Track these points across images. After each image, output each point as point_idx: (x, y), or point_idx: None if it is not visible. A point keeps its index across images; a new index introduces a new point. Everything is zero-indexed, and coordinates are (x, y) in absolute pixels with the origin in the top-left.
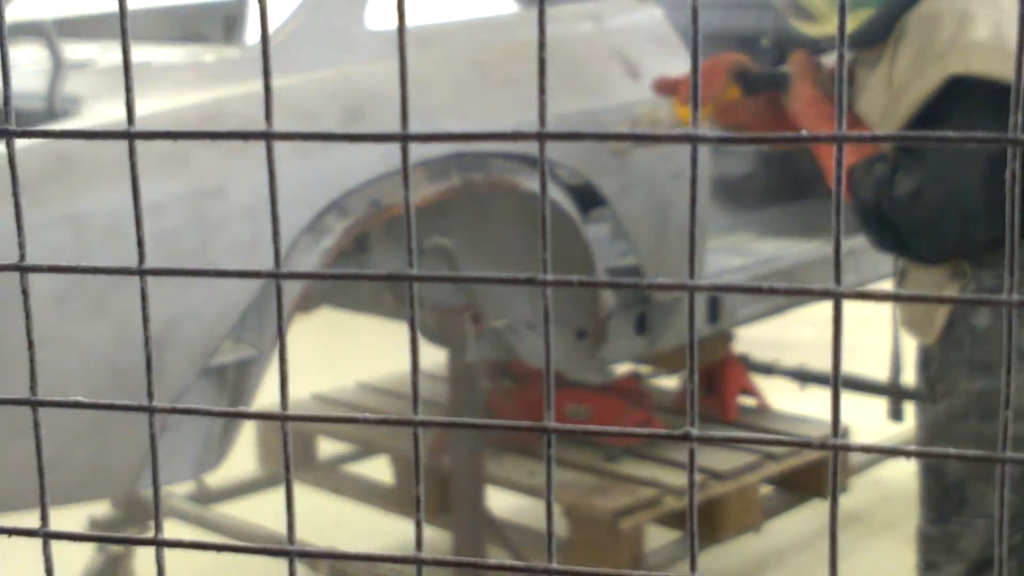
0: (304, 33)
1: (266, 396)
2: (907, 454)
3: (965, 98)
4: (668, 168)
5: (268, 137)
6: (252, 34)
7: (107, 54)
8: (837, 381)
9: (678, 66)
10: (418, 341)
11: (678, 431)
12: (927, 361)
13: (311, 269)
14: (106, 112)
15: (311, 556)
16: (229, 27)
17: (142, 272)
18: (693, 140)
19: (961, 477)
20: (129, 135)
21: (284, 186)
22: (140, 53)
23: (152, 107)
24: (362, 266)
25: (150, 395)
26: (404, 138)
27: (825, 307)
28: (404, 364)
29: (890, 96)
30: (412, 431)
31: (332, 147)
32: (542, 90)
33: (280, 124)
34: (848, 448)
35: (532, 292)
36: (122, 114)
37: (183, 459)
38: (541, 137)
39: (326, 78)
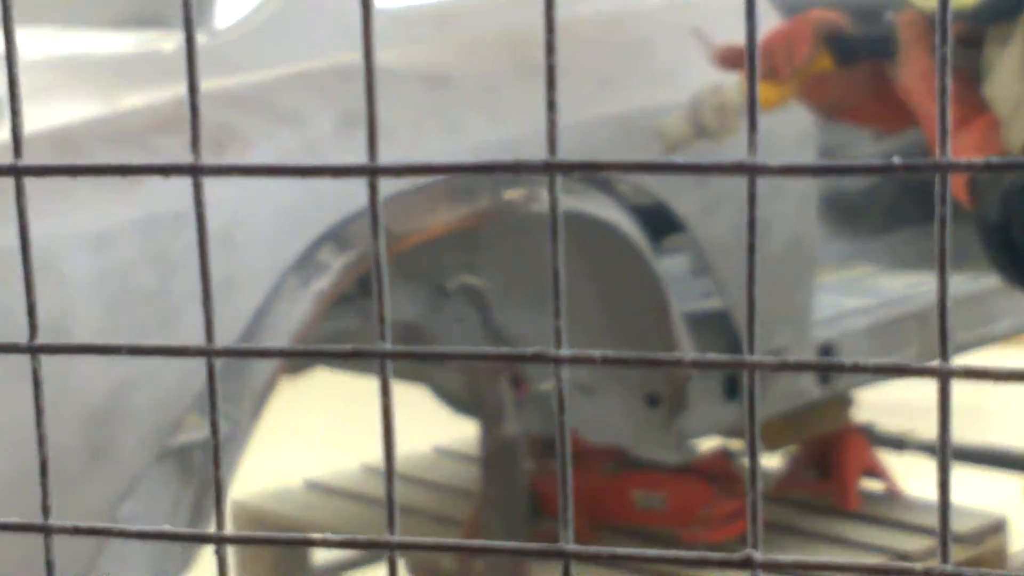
0: (289, 14)
1: (244, 483)
2: None
3: None
4: (765, 180)
5: (196, 172)
6: (223, 16)
7: (37, 43)
8: (946, 487)
9: None
10: (393, 431)
11: (737, 555)
12: None
13: (302, 318)
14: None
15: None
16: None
17: (34, 350)
18: (750, 171)
19: None
20: (16, 171)
21: (266, 209)
22: (79, 41)
23: (89, 111)
24: (367, 314)
25: (45, 510)
26: (372, 171)
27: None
28: (424, 440)
29: None
30: (388, 555)
31: (326, 163)
32: (551, 107)
33: (260, 128)
34: None
35: (592, 349)
36: (38, 125)
37: (138, 561)
38: (551, 168)
39: (317, 71)
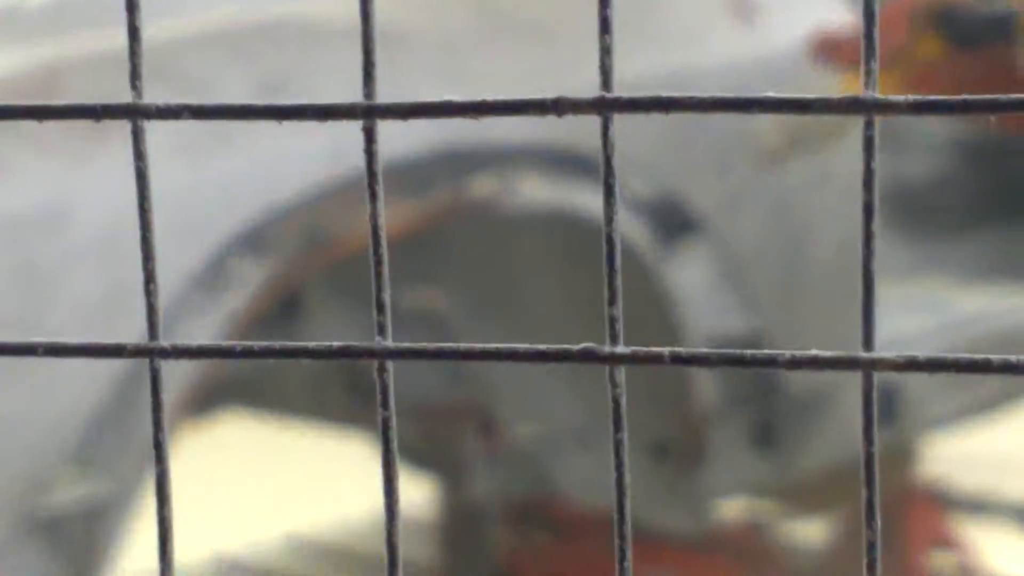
0: None
1: (135, 559)
2: None
3: None
4: (803, 166)
5: (135, 113)
6: None
7: None
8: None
9: (825, 8)
10: (396, 469)
11: None
12: None
13: (204, 342)
14: None
15: None
16: None
17: None
18: (868, 108)
19: None
20: None
21: (161, 206)
22: None
23: None
24: (293, 338)
25: None
26: (369, 112)
27: None
28: (365, 503)
29: None
30: None
31: (239, 143)
32: (604, 27)
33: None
34: None
35: (589, 380)
36: None
37: None
38: (604, 107)
39: (228, 25)
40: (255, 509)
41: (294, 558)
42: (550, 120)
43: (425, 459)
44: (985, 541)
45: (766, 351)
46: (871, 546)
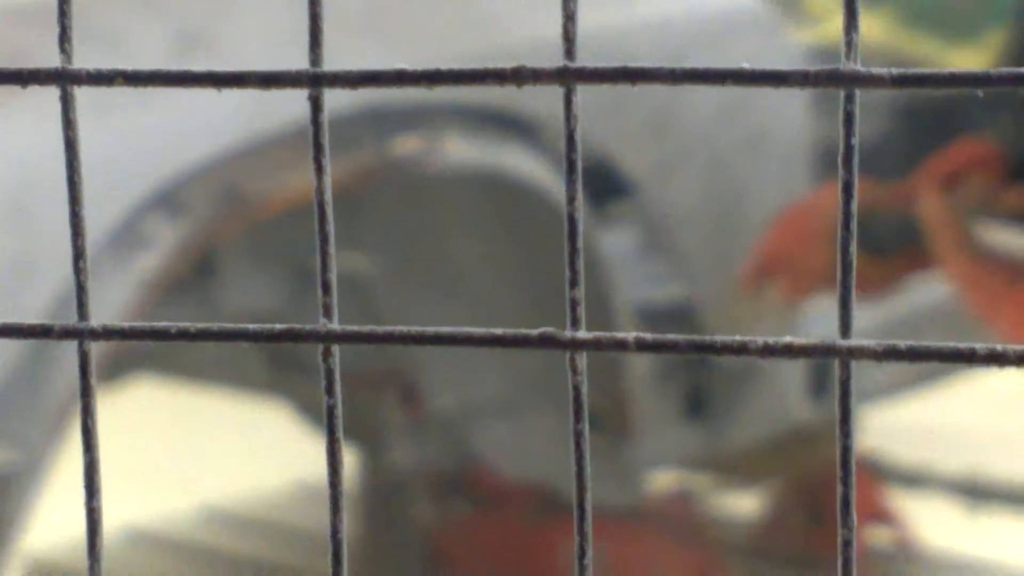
0: None
1: (41, 532)
2: None
3: None
4: (739, 128)
5: (65, 80)
6: None
7: None
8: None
9: None
10: (340, 447)
11: None
12: None
13: (120, 305)
14: None
15: None
16: None
17: None
18: (848, 81)
19: None
20: None
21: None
22: None
23: None
24: (211, 302)
25: None
26: (316, 80)
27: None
28: (284, 473)
29: None
30: None
31: (154, 100)
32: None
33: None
34: None
35: (507, 353)
36: None
37: None
38: (567, 77)
39: None
40: (168, 479)
41: (210, 530)
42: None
43: (346, 428)
44: (922, 515)
45: (738, 338)
46: (846, 544)
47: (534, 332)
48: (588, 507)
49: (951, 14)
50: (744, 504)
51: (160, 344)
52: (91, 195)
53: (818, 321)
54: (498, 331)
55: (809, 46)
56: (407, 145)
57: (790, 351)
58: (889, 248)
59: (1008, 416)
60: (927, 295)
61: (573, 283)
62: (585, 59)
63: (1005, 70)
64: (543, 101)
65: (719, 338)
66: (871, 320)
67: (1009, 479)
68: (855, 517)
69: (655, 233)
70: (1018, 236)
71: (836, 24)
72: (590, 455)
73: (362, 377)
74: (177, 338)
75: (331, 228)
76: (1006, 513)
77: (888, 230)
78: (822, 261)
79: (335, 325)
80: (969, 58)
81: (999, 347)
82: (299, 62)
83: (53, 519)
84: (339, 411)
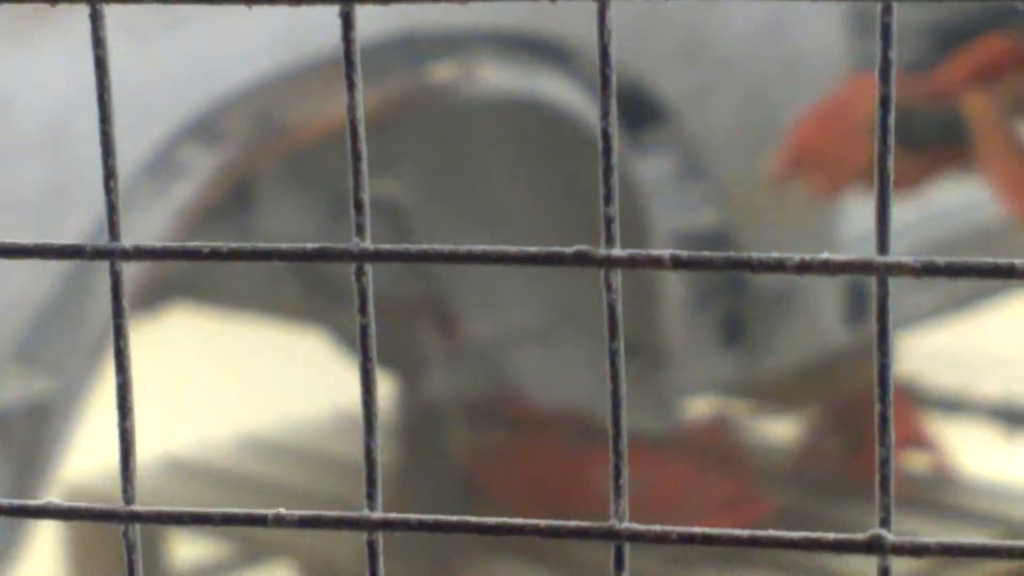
0: None
1: (81, 459)
2: None
3: None
4: (776, 52)
5: (94, 0)
6: None
7: None
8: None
9: None
10: (374, 374)
11: (861, 536)
12: None
13: (157, 233)
14: None
15: None
16: None
17: None
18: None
19: None
20: None
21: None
22: None
23: None
24: (247, 229)
25: None
26: None
27: None
28: (322, 402)
29: None
30: (366, 539)
31: (189, 27)
32: None
33: None
34: None
35: (549, 278)
36: None
37: None
38: None
39: None
40: (204, 408)
41: (246, 458)
42: (512, 4)
43: (383, 356)
44: (959, 440)
45: (774, 255)
46: (883, 462)
47: (569, 250)
48: (623, 425)
49: None
50: (781, 430)
51: (195, 272)
52: (125, 125)
53: (851, 226)
54: (532, 249)
55: None
56: (441, 72)
57: (827, 267)
58: (922, 142)
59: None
60: (963, 217)
61: (608, 200)
62: None
63: None
64: (576, 26)
65: (755, 255)
66: (906, 244)
67: None
68: (893, 435)
69: (691, 159)
70: None
71: None
72: (626, 383)
73: (398, 304)
74: (209, 258)
75: (363, 146)
76: None
77: (921, 124)
78: (856, 156)
79: (368, 244)
80: None
81: None
82: None
83: (91, 447)
84: (372, 331)
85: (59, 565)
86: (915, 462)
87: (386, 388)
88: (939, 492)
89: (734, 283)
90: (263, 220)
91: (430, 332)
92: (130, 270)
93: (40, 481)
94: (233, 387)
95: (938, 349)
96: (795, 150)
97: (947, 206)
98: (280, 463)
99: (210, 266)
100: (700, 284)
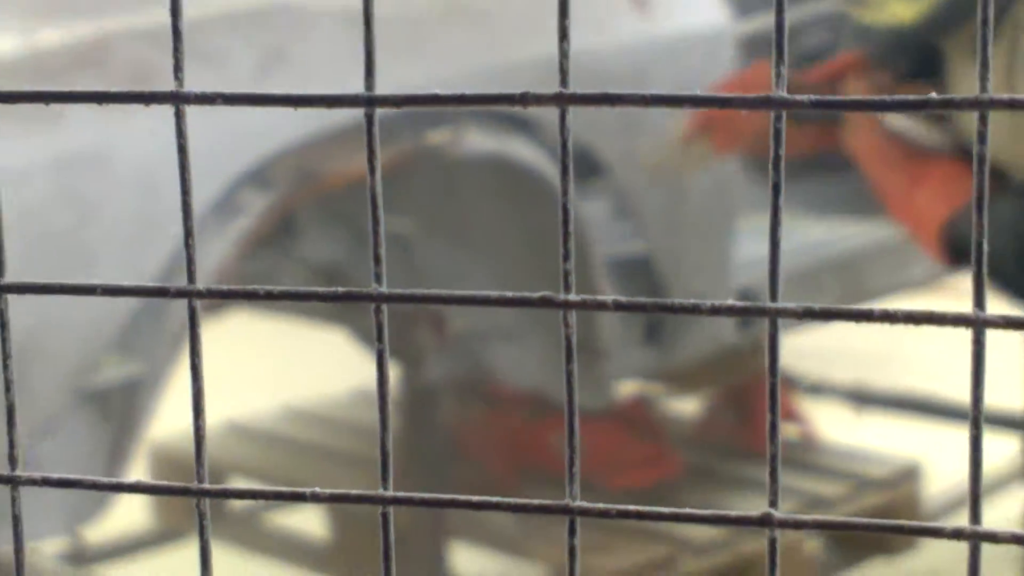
0: None
1: (162, 425)
2: None
3: None
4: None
5: (178, 100)
6: None
7: None
8: (979, 441)
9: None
10: (387, 376)
11: (754, 514)
12: None
13: (221, 260)
14: None
15: None
16: None
17: (1, 289)
18: (778, 105)
19: None
20: None
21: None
22: None
23: (10, 44)
24: (288, 255)
25: (11, 459)
26: (370, 101)
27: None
28: (338, 382)
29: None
30: (380, 511)
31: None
32: (563, 35)
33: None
34: (994, 538)
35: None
36: None
37: (54, 509)
38: (562, 101)
39: (238, 9)
40: (257, 385)
41: (290, 424)
42: (495, 88)
43: (391, 349)
44: (820, 415)
45: (691, 301)
46: (773, 458)
47: (536, 295)
48: (576, 424)
49: None
50: (687, 406)
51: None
52: (198, 174)
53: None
54: (508, 294)
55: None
56: (437, 136)
57: (731, 311)
58: (809, 120)
59: (886, 341)
60: (825, 249)
61: (566, 257)
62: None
63: (906, 97)
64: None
65: (677, 301)
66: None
67: (885, 388)
68: (780, 439)
69: (622, 203)
70: (914, 123)
71: (894, 8)
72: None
73: (404, 312)
74: (264, 298)
75: (381, 213)
76: (882, 414)
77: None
78: (748, 124)
79: (384, 289)
80: (904, 8)
81: (890, 309)
82: (351, 76)
83: (171, 416)
84: (387, 354)
85: (146, 507)
86: (788, 432)
87: (392, 373)
88: (805, 454)
89: (656, 296)
90: (302, 247)
91: (426, 331)
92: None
93: (132, 442)
94: (278, 370)
95: (805, 346)
96: (701, 115)
97: (812, 240)
98: (315, 428)
99: (262, 281)
100: (628, 295)
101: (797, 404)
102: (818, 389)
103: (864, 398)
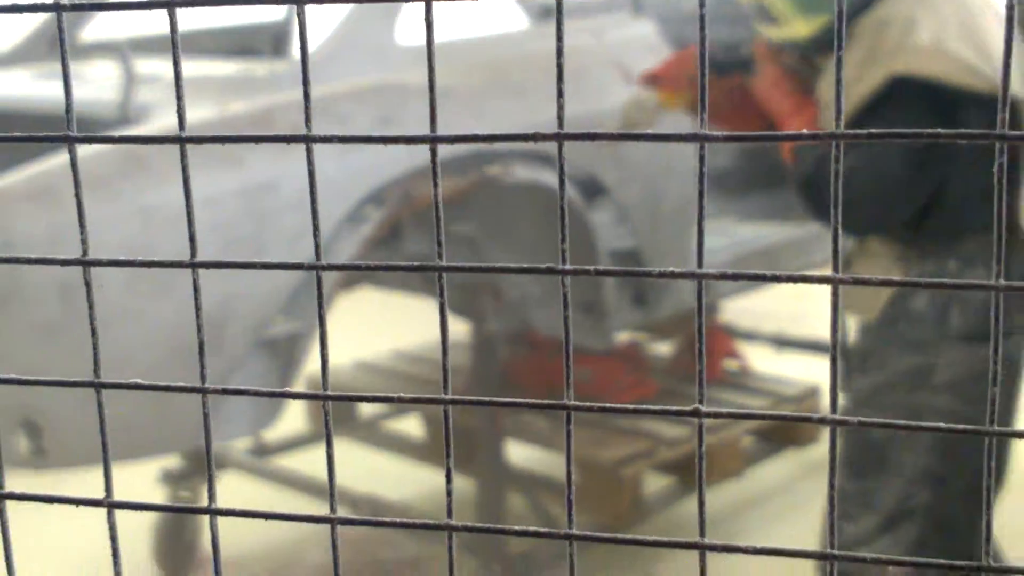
0: (342, 47)
1: (315, 364)
2: (909, 428)
3: (904, 96)
4: (661, 161)
5: (308, 140)
6: (297, 49)
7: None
8: (836, 362)
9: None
10: (448, 324)
11: (688, 408)
12: (863, 335)
13: (351, 255)
14: (170, 119)
15: (350, 523)
16: (277, 43)
17: (194, 265)
18: (702, 139)
19: (883, 439)
20: (180, 139)
21: (327, 180)
22: (199, 67)
23: (209, 113)
24: (395, 251)
25: (203, 377)
26: (433, 140)
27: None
28: (432, 334)
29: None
30: (443, 408)
31: (368, 147)
32: (560, 94)
33: (320, 128)
34: (846, 423)
35: (543, 277)
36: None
37: (242, 417)
38: (560, 138)
39: (361, 87)
40: (377, 336)
41: (398, 362)
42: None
43: (464, 310)
44: (753, 354)
45: (642, 268)
46: (700, 377)
47: (543, 265)
48: (571, 356)
49: None
50: (664, 348)
51: (367, 274)
52: (337, 195)
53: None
54: (525, 264)
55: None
56: (494, 169)
57: (670, 274)
58: (727, 71)
59: (800, 304)
60: (753, 242)
61: (563, 240)
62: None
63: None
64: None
65: (631, 268)
66: (722, 258)
67: (798, 336)
68: (705, 363)
69: (619, 213)
70: (806, 66)
71: (795, 27)
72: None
73: (471, 284)
74: (365, 269)
75: (442, 224)
76: (794, 353)
77: (725, 59)
78: (690, 89)
79: (443, 262)
80: (800, 27)
81: (777, 272)
82: (438, 132)
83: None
84: (446, 306)
85: (304, 414)
86: (730, 365)
87: (463, 327)
88: (742, 379)
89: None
90: (406, 245)
91: (488, 298)
92: (333, 276)
93: (293, 375)
94: (391, 326)
95: (742, 307)
96: (656, 72)
97: (743, 236)
98: (414, 365)
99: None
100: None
101: (737, 346)
102: (752, 336)
103: (782, 342)
